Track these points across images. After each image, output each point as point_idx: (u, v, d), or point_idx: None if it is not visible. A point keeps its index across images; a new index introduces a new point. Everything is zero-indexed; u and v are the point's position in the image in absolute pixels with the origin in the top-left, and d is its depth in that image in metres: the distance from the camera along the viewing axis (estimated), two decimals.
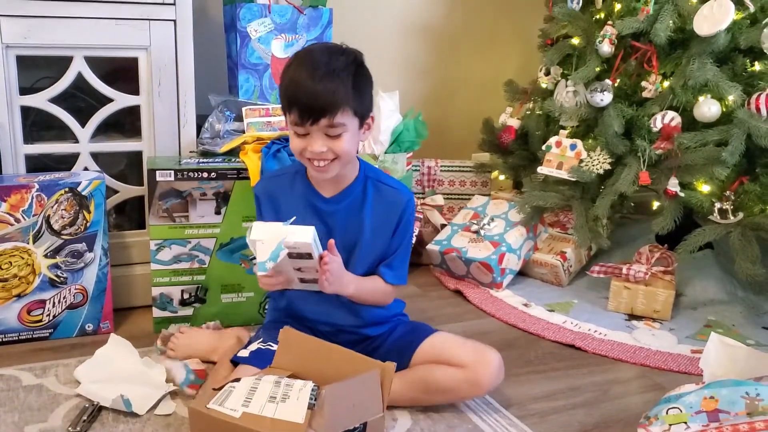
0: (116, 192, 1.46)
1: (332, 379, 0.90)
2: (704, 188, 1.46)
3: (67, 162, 1.42)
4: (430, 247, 1.76)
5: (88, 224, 1.30)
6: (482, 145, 2.00)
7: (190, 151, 1.45)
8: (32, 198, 1.25)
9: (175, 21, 1.38)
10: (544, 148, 1.71)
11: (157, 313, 1.37)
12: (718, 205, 1.43)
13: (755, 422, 0.87)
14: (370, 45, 2.03)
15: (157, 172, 1.30)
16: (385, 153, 1.76)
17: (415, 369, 1.10)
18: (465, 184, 2.00)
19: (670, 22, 1.47)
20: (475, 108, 2.15)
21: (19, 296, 1.28)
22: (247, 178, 1.33)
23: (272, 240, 0.96)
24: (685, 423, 0.92)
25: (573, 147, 1.65)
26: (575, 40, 1.70)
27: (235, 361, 1.09)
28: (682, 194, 1.45)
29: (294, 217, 0.99)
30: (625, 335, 1.46)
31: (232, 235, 1.36)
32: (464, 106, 2.26)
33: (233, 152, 1.41)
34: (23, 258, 1.27)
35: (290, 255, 0.98)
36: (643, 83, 1.55)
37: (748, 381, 0.94)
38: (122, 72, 1.42)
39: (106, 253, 1.33)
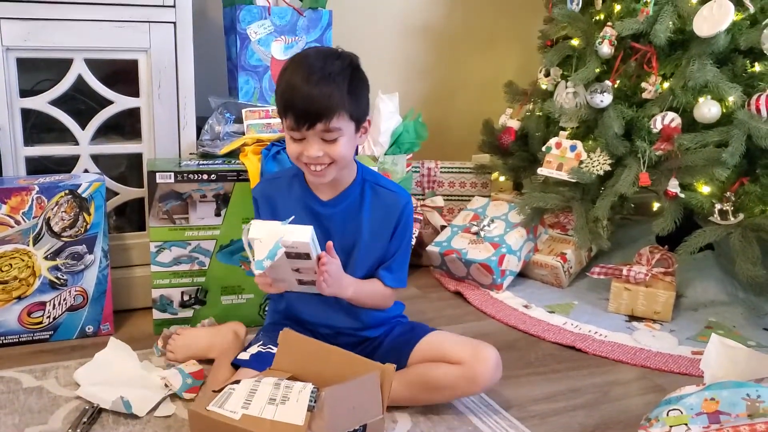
0: (116, 194, 1.46)
1: (332, 381, 0.90)
2: (704, 189, 1.46)
3: (67, 164, 1.42)
4: (430, 248, 1.76)
5: (88, 226, 1.30)
6: (482, 147, 2.00)
7: (190, 153, 1.45)
8: (32, 200, 1.25)
9: (175, 23, 1.38)
10: (544, 149, 1.71)
11: (157, 315, 1.37)
12: (718, 206, 1.43)
13: (756, 424, 0.87)
14: (370, 46, 2.06)
15: (157, 174, 1.30)
16: (385, 154, 1.76)
17: (412, 368, 1.10)
18: (465, 185, 2.00)
19: (670, 23, 1.47)
20: (475, 109, 2.15)
21: (19, 298, 1.28)
22: (247, 179, 1.33)
23: (270, 239, 0.96)
24: (686, 425, 0.92)
25: (573, 148, 1.65)
26: (575, 42, 1.70)
27: (236, 364, 1.09)
28: (682, 195, 1.45)
29: (293, 216, 0.99)
30: (626, 337, 1.45)
31: (232, 237, 1.36)
32: (464, 108, 2.26)
33: (233, 154, 1.41)
34: (23, 260, 1.27)
35: (288, 255, 0.98)
36: (643, 84, 1.55)
37: (748, 382, 0.94)
38: (122, 74, 1.42)
39: (107, 255, 1.33)
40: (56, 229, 1.28)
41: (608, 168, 1.58)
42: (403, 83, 2.14)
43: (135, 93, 1.41)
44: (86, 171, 1.42)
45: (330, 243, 1.02)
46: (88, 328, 1.35)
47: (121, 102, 1.41)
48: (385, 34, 2.12)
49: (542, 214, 1.75)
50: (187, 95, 1.43)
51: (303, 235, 0.96)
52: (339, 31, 1.74)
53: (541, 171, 1.69)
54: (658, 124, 1.48)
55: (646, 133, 1.51)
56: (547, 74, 1.82)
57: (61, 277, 1.30)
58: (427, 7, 2.18)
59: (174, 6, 1.37)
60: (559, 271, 1.71)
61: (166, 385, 1.13)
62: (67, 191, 1.27)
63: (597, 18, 1.70)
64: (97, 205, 1.30)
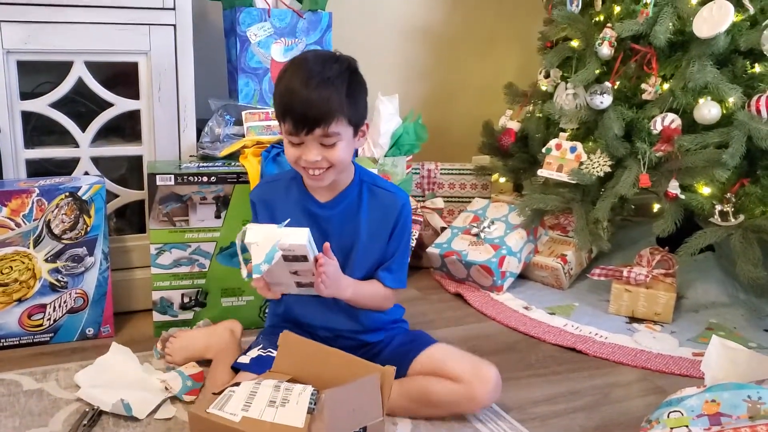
0: (116, 196, 1.46)
1: (332, 383, 0.90)
2: (705, 190, 1.46)
3: (67, 166, 1.42)
4: (430, 250, 1.76)
5: (88, 228, 1.30)
6: (482, 148, 2.00)
7: (190, 156, 1.46)
8: (33, 203, 1.25)
9: (175, 26, 1.38)
10: (544, 150, 1.71)
11: (157, 317, 1.37)
12: (718, 207, 1.42)
13: (757, 426, 0.87)
14: (370, 48, 2.06)
15: (158, 176, 1.30)
16: (385, 156, 1.77)
17: (412, 380, 1.10)
18: (465, 187, 2.00)
19: (670, 24, 1.47)
20: (475, 111, 2.15)
21: (19, 301, 1.28)
22: (247, 182, 1.33)
23: (267, 242, 0.96)
24: (687, 427, 0.92)
25: (573, 149, 1.65)
26: (575, 43, 1.70)
27: (236, 368, 1.09)
28: (682, 196, 1.44)
29: (289, 219, 0.99)
30: (626, 338, 1.45)
31: (232, 239, 1.36)
32: (464, 109, 2.26)
33: (233, 156, 1.41)
34: (24, 262, 1.27)
35: (285, 258, 0.98)
36: (643, 85, 1.55)
37: (750, 384, 0.94)
38: (122, 77, 1.43)
39: (107, 257, 1.33)
40: (56, 231, 1.28)
41: (608, 169, 1.58)
42: (403, 85, 2.14)
43: (135, 95, 1.41)
44: (86, 173, 1.42)
45: (327, 244, 1.02)
46: (89, 331, 1.35)
47: (121, 104, 1.41)
48: (384, 36, 2.12)
49: (542, 216, 1.75)
50: (187, 97, 1.43)
51: (300, 237, 0.96)
52: (339, 33, 1.74)
53: (541, 172, 1.69)
54: (658, 125, 1.48)
55: (647, 134, 1.51)
56: (547, 76, 1.82)
57: (61, 279, 1.30)
58: (427, 8, 2.18)
59: (174, 8, 1.37)
60: (559, 272, 1.71)
61: (166, 388, 1.13)
62: (67, 194, 1.27)
63: (597, 19, 1.70)
64: (97, 207, 1.30)
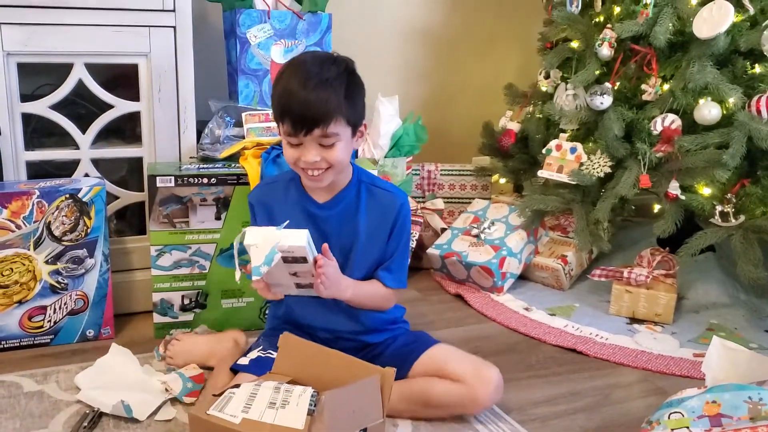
0: (117, 198, 1.46)
1: (332, 384, 0.90)
2: (705, 191, 1.46)
3: (67, 168, 1.42)
4: (430, 251, 1.76)
5: (88, 230, 1.30)
6: (482, 149, 2.00)
7: (191, 157, 1.46)
8: (33, 204, 1.25)
9: (174, 27, 1.38)
10: (544, 151, 1.71)
11: (157, 318, 1.37)
12: (719, 207, 1.42)
13: (758, 427, 0.86)
14: (370, 49, 2.07)
15: (158, 177, 1.30)
16: (385, 157, 1.77)
17: (413, 381, 1.09)
18: (465, 187, 2.00)
19: (670, 25, 1.47)
20: (475, 112, 2.15)
21: (20, 302, 1.28)
22: (247, 183, 1.34)
23: (266, 244, 0.96)
24: (688, 428, 0.92)
25: (573, 150, 1.65)
26: (575, 44, 1.70)
27: (235, 369, 1.09)
28: (683, 197, 1.44)
29: (287, 221, 0.99)
30: (627, 339, 1.45)
31: (232, 241, 1.35)
32: (464, 110, 2.26)
33: (233, 158, 1.42)
34: (24, 264, 1.27)
35: (285, 259, 0.98)
36: (643, 86, 1.55)
37: (750, 385, 0.94)
38: (122, 78, 1.43)
39: (107, 259, 1.33)
40: (57, 233, 1.28)
41: (609, 170, 1.58)
42: (403, 86, 2.14)
43: (135, 97, 1.42)
44: (87, 175, 1.42)
45: (326, 245, 1.02)
46: (89, 332, 1.35)
47: (121, 106, 1.41)
48: (384, 37, 2.12)
49: (543, 217, 1.75)
50: (187, 99, 1.43)
51: (299, 239, 0.96)
52: (338, 34, 1.74)
53: (542, 173, 1.69)
54: (658, 125, 1.48)
55: (647, 135, 1.51)
56: (547, 76, 1.82)
57: (61, 281, 1.30)
58: (427, 10, 2.18)
59: (174, 10, 1.37)
60: (559, 273, 1.71)
61: (166, 390, 1.13)
62: (67, 195, 1.27)
63: (596, 20, 1.70)
64: (97, 209, 1.30)
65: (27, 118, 1.37)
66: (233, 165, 1.39)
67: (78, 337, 1.34)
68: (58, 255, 1.29)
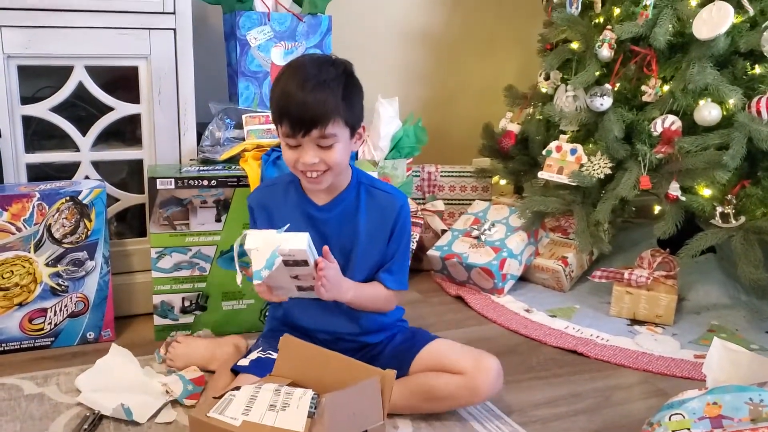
0: (117, 200, 1.46)
1: (332, 387, 0.90)
2: (706, 192, 1.46)
3: (68, 171, 1.42)
4: (430, 252, 1.76)
5: (89, 233, 1.30)
6: (482, 151, 2.00)
7: (191, 159, 1.46)
8: (33, 207, 1.25)
9: (174, 30, 1.38)
10: (544, 152, 1.70)
11: (158, 320, 1.37)
12: (719, 209, 1.42)
13: (759, 429, 0.86)
14: (370, 51, 2.07)
15: (158, 180, 1.30)
16: (385, 159, 1.77)
17: (414, 377, 1.10)
18: (465, 189, 2.00)
19: (670, 26, 1.47)
20: (475, 113, 2.15)
21: (20, 305, 1.28)
22: (248, 185, 1.34)
23: (266, 248, 0.96)
24: (688, 429, 0.92)
25: (573, 152, 1.65)
26: (575, 45, 1.70)
27: (235, 370, 1.09)
28: (683, 198, 1.44)
29: (288, 225, 0.99)
30: (628, 340, 1.45)
31: (232, 243, 1.35)
32: (464, 112, 2.26)
33: (233, 160, 1.42)
34: (24, 267, 1.27)
35: (285, 262, 0.98)
36: (643, 87, 1.55)
37: (751, 387, 0.94)
38: (123, 81, 1.43)
39: (107, 261, 1.33)
40: (57, 235, 1.28)
41: (609, 171, 1.58)
42: (403, 87, 2.14)
43: (135, 99, 1.42)
44: (87, 177, 1.42)
45: (326, 247, 1.02)
46: (90, 335, 1.35)
47: (121, 108, 1.41)
48: (384, 39, 2.13)
49: (543, 218, 1.75)
50: (188, 101, 1.43)
51: (299, 242, 0.96)
52: (338, 36, 1.74)
53: (542, 175, 1.68)
54: (658, 127, 1.48)
55: (647, 136, 1.51)
56: (547, 78, 1.82)
57: (62, 283, 1.30)
58: (427, 11, 2.18)
59: (174, 13, 1.37)
60: (560, 274, 1.71)
61: (167, 392, 1.13)
62: (68, 198, 1.27)
63: (596, 21, 1.70)
64: (97, 211, 1.30)
65: (27, 121, 1.37)
66: (233, 167, 1.39)
67: (78, 339, 1.34)
68: (58, 257, 1.29)
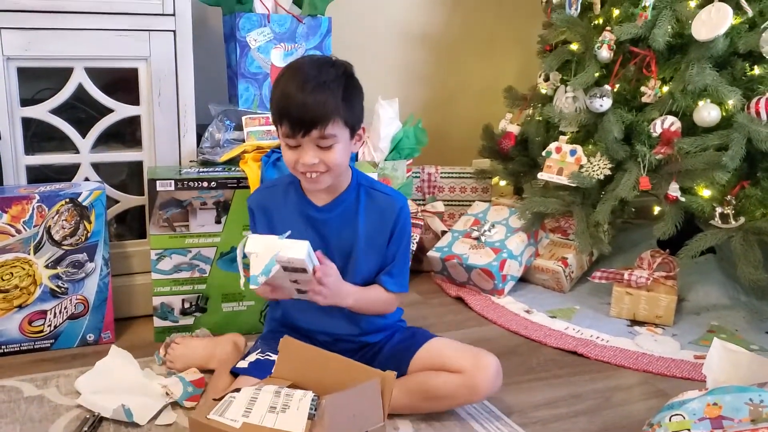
0: (117, 202, 1.46)
1: (332, 388, 0.90)
2: (705, 193, 1.46)
3: (67, 172, 1.42)
4: (431, 253, 1.76)
5: (88, 234, 1.30)
6: (482, 152, 2.00)
7: (191, 161, 1.46)
8: (33, 209, 1.25)
9: (174, 31, 1.39)
10: (544, 153, 1.71)
11: (158, 322, 1.37)
12: (719, 209, 1.42)
13: (759, 429, 0.86)
14: (369, 52, 2.07)
15: (158, 181, 1.30)
16: (385, 160, 1.77)
17: (412, 376, 1.10)
18: (465, 190, 2.00)
19: (669, 27, 1.47)
20: (475, 114, 2.15)
21: (20, 307, 1.28)
22: (247, 187, 1.34)
23: (266, 254, 0.96)
24: (689, 430, 0.92)
25: (573, 153, 1.65)
26: (574, 46, 1.71)
27: (235, 372, 1.09)
28: (683, 199, 1.44)
29: (289, 231, 0.99)
30: (628, 341, 1.45)
31: (232, 244, 1.36)
32: (464, 113, 2.26)
33: (233, 161, 1.42)
34: (24, 269, 1.27)
35: (285, 268, 0.98)
36: (643, 88, 1.55)
37: (751, 387, 0.94)
38: (122, 83, 1.43)
39: (107, 263, 1.33)
40: (57, 237, 1.28)
41: (608, 172, 1.58)
42: (403, 89, 2.14)
43: (135, 101, 1.42)
44: (87, 179, 1.42)
45: (319, 252, 1.02)
46: (89, 337, 1.35)
47: (121, 110, 1.41)
48: (384, 40, 2.13)
49: (543, 219, 1.75)
50: (187, 103, 1.43)
51: (299, 251, 0.95)
52: (338, 37, 1.74)
53: (542, 176, 1.69)
54: (657, 128, 1.48)
55: (646, 137, 1.51)
56: (547, 79, 1.82)
57: (61, 285, 1.30)
58: (427, 12, 2.18)
59: (174, 14, 1.37)
60: (560, 275, 1.71)
61: (167, 393, 1.13)
62: (67, 200, 1.27)
63: (596, 22, 1.70)
64: (97, 213, 1.30)
65: (27, 123, 1.37)
66: (233, 168, 1.39)
67: (78, 341, 1.34)
68: (58, 259, 1.29)
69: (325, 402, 0.85)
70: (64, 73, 1.36)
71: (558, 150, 1.68)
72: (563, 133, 1.72)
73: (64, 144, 1.41)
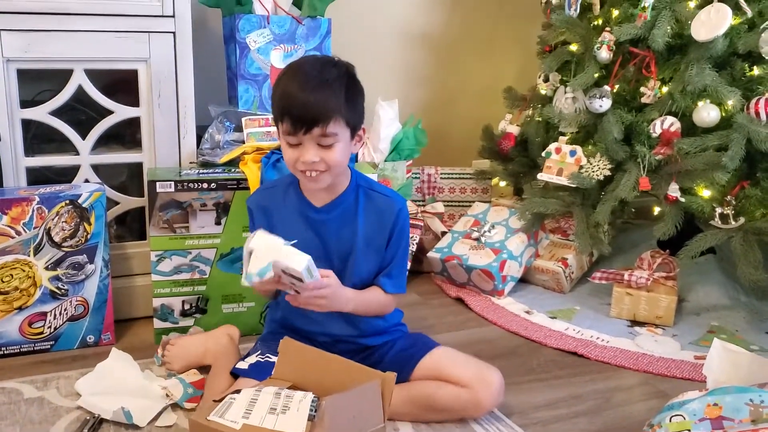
0: (117, 203, 1.46)
1: (332, 389, 0.90)
2: (705, 193, 1.46)
3: (67, 174, 1.42)
4: (431, 254, 1.76)
5: (88, 236, 1.30)
6: (482, 152, 2.00)
7: (190, 162, 1.46)
8: (33, 210, 1.25)
9: (174, 33, 1.39)
10: (543, 154, 1.71)
11: (158, 324, 1.37)
12: (719, 210, 1.42)
13: (759, 430, 0.86)
14: (369, 53, 2.07)
15: (158, 183, 1.30)
16: (385, 161, 1.77)
17: (415, 385, 1.10)
18: (465, 191, 2.00)
19: (668, 27, 1.47)
20: (475, 115, 2.15)
21: (20, 309, 1.28)
22: (247, 188, 1.34)
23: (266, 255, 0.95)
24: (689, 431, 0.92)
25: (573, 153, 1.65)
26: (573, 47, 1.71)
27: (235, 374, 1.09)
28: (682, 199, 1.44)
29: (295, 240, 0.98)
30: (628, 342, 1.45)
31: (232, 246, 1.36)
32: (464, 114, 2.26)
33: (233, 162, 1.42)
34: (24, 270, 1.27)
35: (284, 271, 0.98)
36: (642, 89, 1.55)
37: (752, 387, 0.93)
38: (122, 84, 1.43)
39: (107, 264, 1.33)
40: (57, 239, 1.28)
41: (608, 173, 1.58)
42: (403, 89, 2.14)
43: (135, 103, 1.42)
44: (87, 181, 1.42)
45: (324, 271, 1.02)
46: (89, 338, 1.35)
47: (121, 112, 1.42)
48: (384, 41, 2.13)
49: (543, 220, 1.75)
50: (187, 104, 1.43)
51: (298, 263, 0.95)
52: (338, 38, 1.74)
53: (541, 176, 1.69)
54: (657, 128, 1.48)
55: (646, 137, 1.51)
56: (546, 79, 1.82)
57: (61, 287, 1.30)
58: (426, 13, 2.19)
59: (173, 16, 1.38)
60: (560, 276, 1.71)
61: (167, 395, 1.13)
62: (67, 201, 1.27)
63: (595, 23, 1.70)
64: (97, 214, 1.30)
65: (27, 124, 1.37)
66: (233, 170, 1.39)
67: (78, 343, 1.34)
68: (58, 261, 1.29)
69: (325, 403, 0.85)
70: (64, 75, 1.36)
71: (558, 151, 1.68)
72: (563, 134, 1.72)
73: (64, 145, 1.41)
